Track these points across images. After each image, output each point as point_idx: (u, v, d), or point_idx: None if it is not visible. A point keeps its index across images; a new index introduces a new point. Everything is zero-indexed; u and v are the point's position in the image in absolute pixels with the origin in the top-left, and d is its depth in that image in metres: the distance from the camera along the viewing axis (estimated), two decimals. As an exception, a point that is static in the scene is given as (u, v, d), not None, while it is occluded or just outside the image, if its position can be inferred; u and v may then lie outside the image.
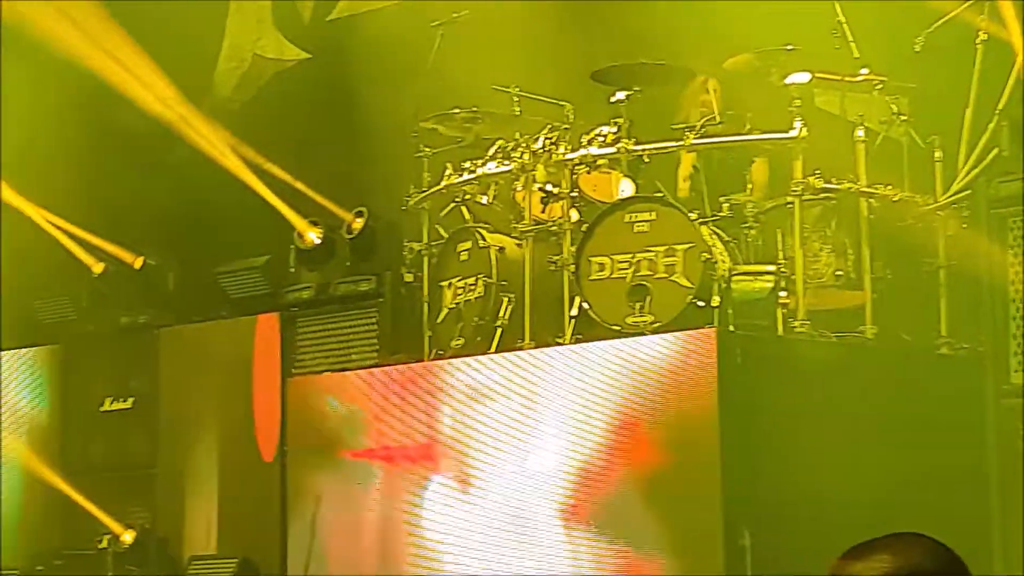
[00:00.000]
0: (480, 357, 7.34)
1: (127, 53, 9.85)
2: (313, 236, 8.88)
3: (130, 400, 9.58)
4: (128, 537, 9.17)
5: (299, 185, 9.19)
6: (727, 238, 7.09)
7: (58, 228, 10.18)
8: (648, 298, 6.90)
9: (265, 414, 8.83)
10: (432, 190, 8.08)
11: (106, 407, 9.65)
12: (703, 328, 6.61)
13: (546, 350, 7.09)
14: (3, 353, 10.13)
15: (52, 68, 10.10)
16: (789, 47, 7.19)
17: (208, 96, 10.24)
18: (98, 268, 10.00)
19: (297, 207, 9.08)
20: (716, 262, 6.89)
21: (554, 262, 7.24)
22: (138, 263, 9.89)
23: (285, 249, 9.06)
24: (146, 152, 10.08)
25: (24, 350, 10.14)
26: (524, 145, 7.57)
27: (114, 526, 9.24)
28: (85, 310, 10.11)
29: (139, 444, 9.48)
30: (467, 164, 7.90)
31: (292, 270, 9.03)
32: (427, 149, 8.28)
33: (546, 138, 7.48)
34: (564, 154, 7.37)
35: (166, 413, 9.40)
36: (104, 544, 9.15)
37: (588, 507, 6.71)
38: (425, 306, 7.98)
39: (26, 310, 10.28)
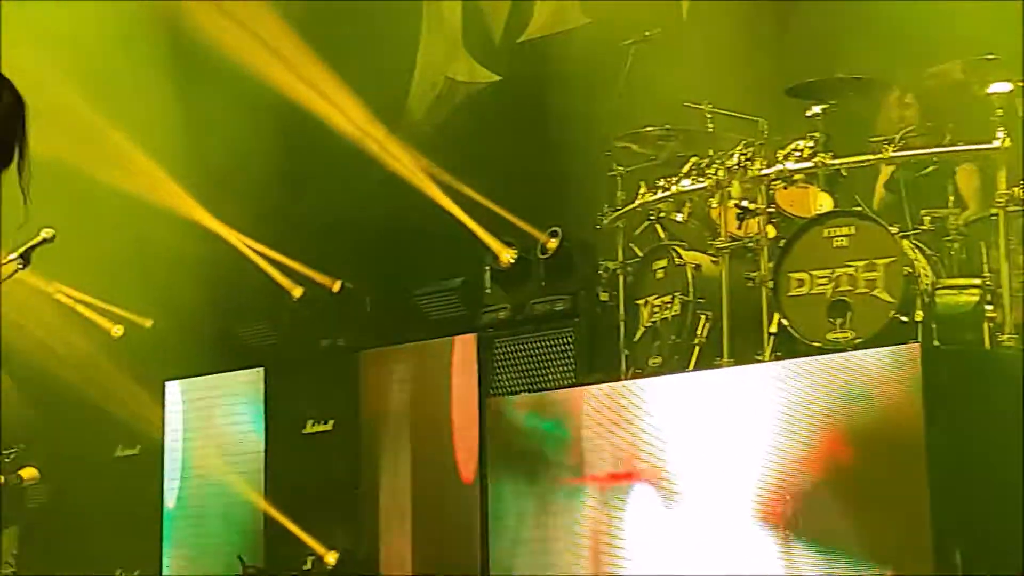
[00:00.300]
0: (679, 375, 7.36)
1: (323, 79, 10.11)
2: (508, 257, 8.98)
3: (331, 422, 9.73)
4: (332, 558, 9.32)
5: (493, 206, 9.30)
6: (930, 252, 7.01)
7: (257, 253, 10.46)
8: (849, 314, 6.85)
9: (464, 435, 8.94)
10: (626, 208, 8.12)
11: (308, 429, 9.83)
12: (907, 343, 6.53)
13: (746, 367, 7.08)
14: (208, 377, 10.40)
15: (249, 95, 10.37)
16: (991, 56, 7.08)
17: (402, 120, 10.42)
18: (297, 292, 10.24)
19: (492, 228, 9.20)
20: (918, 276, 6.82)
21: (751, 279, 7.22)
22: (336, 286, 10.09)
23: (480, 270, 9.17)
24: (343, 176, 10.23)
25: (228, 374, 10.39)
26: (719, 162, 7.57)
27: (318, 547, 9.40)
28: (286, 334, 10.35)
29: (341, 466, 9.60)
30: (661, 182, 7.92)
31: (488, 291, 9.13)
32: (620, 167, 8.32)
33: (741, 154, 7.46)
34: (759, 170, 7.35)
35: (366, 435, 9.56)
36: (308, 565, 9.35)
37: (792, 524, 6.67)
38: (621, 325, 8.02)
39: (229, 334, 10.58)
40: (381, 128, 10.03)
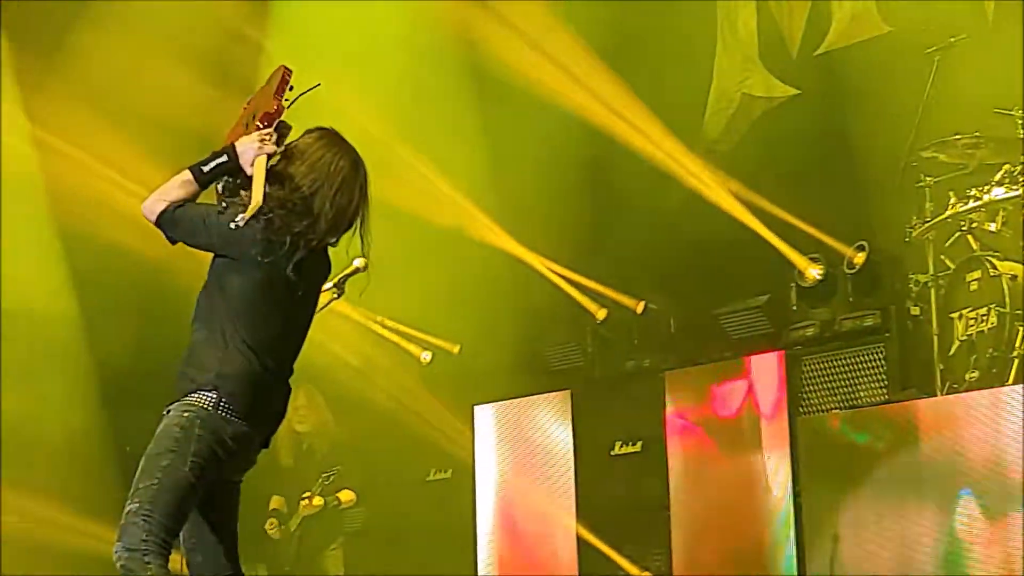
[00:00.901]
0: (998, 389, 7.25)
1: (621, 100, 10.26)
2: (814, 273, 8.96)
3: (639, 444, 9.84)
4: (647, 579, 9.40)
5: (797, 222, 9.29)
6: None
7: (561, 276, 10.66)
8: None
9: (773, 452, 8.96)
10: (936, 220, 8.05)
11: (616, 451, 9.95)
12: None
13: (1068, 380, 6.96)
14: (516, 400, 10.62)
15: (549, 119, 10.58)
16: None
17: (699, 139, 10.46)
18: (601, 314, 10.39)
19: (796, 244, 9.20)
20: None
21: (1072, 289, 7.10)
22: (640, 307, 10.20)
23: (786, 287, 9.17)
24: (643, 197, 10.31)
25: (536, 396, 10.58)
26: (1033, 168, 7.46)
27: (631, 568, 9.52)
28: (591, 356, 10.51)
29: (650, 486, 9.69)
30: (972, 191, 7.83)
31: (794, 308, 9.13)
32: (928, 178, 8.25)
33: (1056, 160, 7.34)
34: (1079, 176, 7.22)
35: (674, 454, 9.63)
36: (622, 586, 9.44)
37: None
38: (935, 339, 7.94)
39: (536, 357, 10.79)
40: (680, 147, 10.10)
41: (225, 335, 4.81)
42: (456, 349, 11.29)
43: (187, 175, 4.94)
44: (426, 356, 11.33)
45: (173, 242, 5.01)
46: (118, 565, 4.61)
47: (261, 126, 5.03)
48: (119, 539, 4.60)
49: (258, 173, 4.88)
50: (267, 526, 10.65)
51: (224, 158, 4.95)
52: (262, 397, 4.87)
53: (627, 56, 10.48)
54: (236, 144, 4.95)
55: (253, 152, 4.93)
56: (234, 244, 4.85)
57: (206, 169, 4.96)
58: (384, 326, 11.27)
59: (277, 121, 5.11)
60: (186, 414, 4.72)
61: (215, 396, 4.73)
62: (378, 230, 10.01)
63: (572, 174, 10.59)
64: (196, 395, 4.75)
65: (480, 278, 10.85)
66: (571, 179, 10.57)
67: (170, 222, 4.90)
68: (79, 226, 11.46)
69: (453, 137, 11.08)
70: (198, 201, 4.99)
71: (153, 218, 4.90)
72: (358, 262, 5.82)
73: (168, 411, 4.79)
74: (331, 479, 10.45)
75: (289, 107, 5.16)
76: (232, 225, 4.82)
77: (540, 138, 10.69)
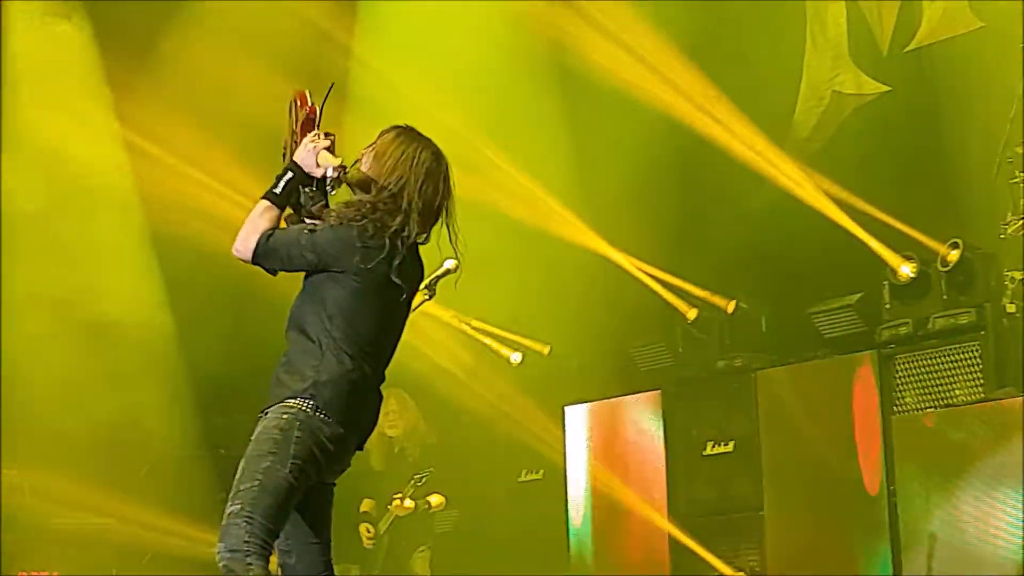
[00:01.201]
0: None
1: (710, 98, 10.28)
2: (907, 270, 8.93)
3: (731, 443, 9.85)
4: (738, 579, 9.41)
5: (889, 219, 9.27)
6: None
7: (651, 276, 10.69)
8: None
9: (867, 450, 8.95)
10: (1031, 216, 8.00)
11: (708, 451, 9.97)
12: None
13: None
14: (607, 401, 10.67)
15: (637, 118, 10.61)
16: None
17: (789, 137, 10.45)
18: (691, 314, 10.40)
19: (888, 242, 9.17)
20: None
21: None
22: (730, 307, 10.21)
23: (878, 285, 9.15)
24: (733, 195, 10.33)
25: (627, 397, 10.62)
26: None
27: (724, 569, 9.55)
28: (681, 356, 10.52)
29: (743, 486, 9.71)
30: (1065, 187, 7.79)
31: (887, 306, 9.10)
32: (1022, 174, 8.20)
33: None
34: None
35: (767, 455, 9.63)
36: (715, 587, 9.47)
37: None
38: (1032, 337, 7.91)
39: (626, 358, 10.82)
40: (770, 146, 10.10)
41: (322, 343, 4.86)
42: (546, 350, 11.35)
43: (263, 203, 5.03)
44: (516, 357, 11.40)
45: (274, 273, 5.09)
46: (221, 566, 4.65)
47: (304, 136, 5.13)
48: (221, 540, 4.65)
49: (328, 159, 4.99)
50: (362, 531, 10.73)
51: (290, 173, 5.05)
52: (358, 404, 4.92)
53: (716, 54, 10.49)
54: (294, 158, 5.03)
55: (312, 153, 5.02)
56: (334, 257, 4.91)
57: (278, 190, 5.05)
58: (473, 328, 11.35)
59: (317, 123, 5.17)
60: (285, 416, 4.78)
61: (312, 403, 4.78)
62: (467, 231, 10.11)
63: (661, 173, 10.60)
64: (294, 400, 4.80)
65: (570, 278, 10.93)
66: (660, 178, 10.59)
67: (266, 254, 4.96)
68: (170, 229, 11.63)
69: (542, 137, 11.16)
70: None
71: (249, 256, 4.95)
72: (449, 263, 5.84)
73: (265, 413, 4.85)
74: (423, 481, 10.52)
75: (322, 108, 5.20)
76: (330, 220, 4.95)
77: (629, 137, 10.71)
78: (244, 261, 4.98)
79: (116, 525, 11.35)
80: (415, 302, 5.80)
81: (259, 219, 4.97)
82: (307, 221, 5.07)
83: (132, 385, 11.63)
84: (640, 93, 10.57)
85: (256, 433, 4.82)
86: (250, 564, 4.60)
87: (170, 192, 11.60)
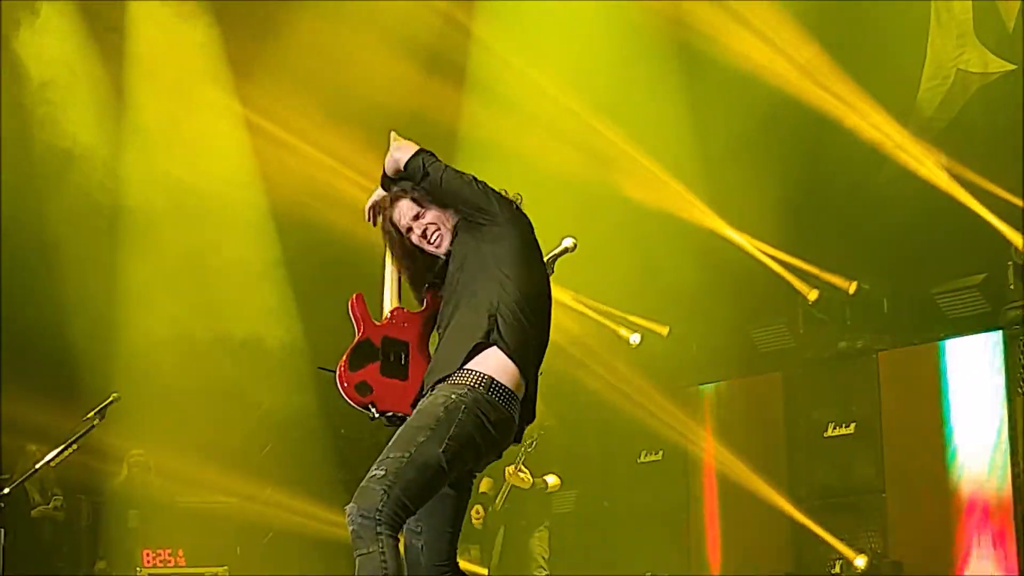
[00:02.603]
0: None
1: (833, 78, 10.30)
2: (1033, 250, 8.95)
3: (852, 425, 9.91)
4: (860, 562, 9.49)
5: (1014, 199, 9.26)
6: None
7: (771, 257, 10.75)
8: None
9: (991, 433, 8.98)
10: None
11: (829, 433, 10.03)
12: None
13: None
14: (728, 382, 10.76)
15: (758, 98, 10.65)
16: None
17: (913, 115, 10.42)
18: (812, 295, 10.47)
19: (1013, 222, 9.16)
20: None
21: None
22: (852, 288, 10.27)
23: (1003, 266, 9.15)
24: (855, 175, 10.36)
25: (747, 379, 10.78)
26: None
27: (845, 551, 9.62)
28: (802, 337, 10.60)
29: (864, 468, 9.78)
30: None
31: (1011, 287, 9.11)
32: None
33: None
34: None
35: (888, 436, 9.68)
36: (836, 569, 9.55)
37: None
38: None
39: (746, 339, 10.90)
40: (894, 124, 10.10)
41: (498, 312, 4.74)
42: (666, 331, 11.45)
43: None
44: (635, 338, 11.50)
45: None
46: (350, 528, 4.58)
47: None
48: (355, 500, 4.58)
49: None
50: (473, 514, 10.87)
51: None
52: (528, 382, 4.80)
53: (839, 33, 10.51)
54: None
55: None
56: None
57: None
58: (592, 308, 11.46)
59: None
60: (454, 395, 4.68)
61: (484, 383, 4.68)
62: (587, 211, 10.29)
63: (783, 153, 10.65)
64: (470, 375, 4.70)
65: (690, 259, 10.99)
66: (782, 158, 10.63)
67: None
68: (292, 208, 11.84)
69: (662, 117, 11.19)
70: None
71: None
72: (568, 242, 5.72)
73: (434, 388, 4.75)
74: (533, 445, 10.57)
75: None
76: None
77: (751, 117, 10.75)
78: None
79: (239, 504, 11.60)
80: None
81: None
82: None
83: (255, 368, 11.89)
84: (762, 72, 10.61)
85: (422, 405, 4.74)
86: (379, 533, 4.54)
87: (290, 171, 11.82)
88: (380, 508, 4.56)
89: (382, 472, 4.60)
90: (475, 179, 4.85)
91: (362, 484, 4.62)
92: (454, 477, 4.76)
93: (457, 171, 4.86)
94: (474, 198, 4.83)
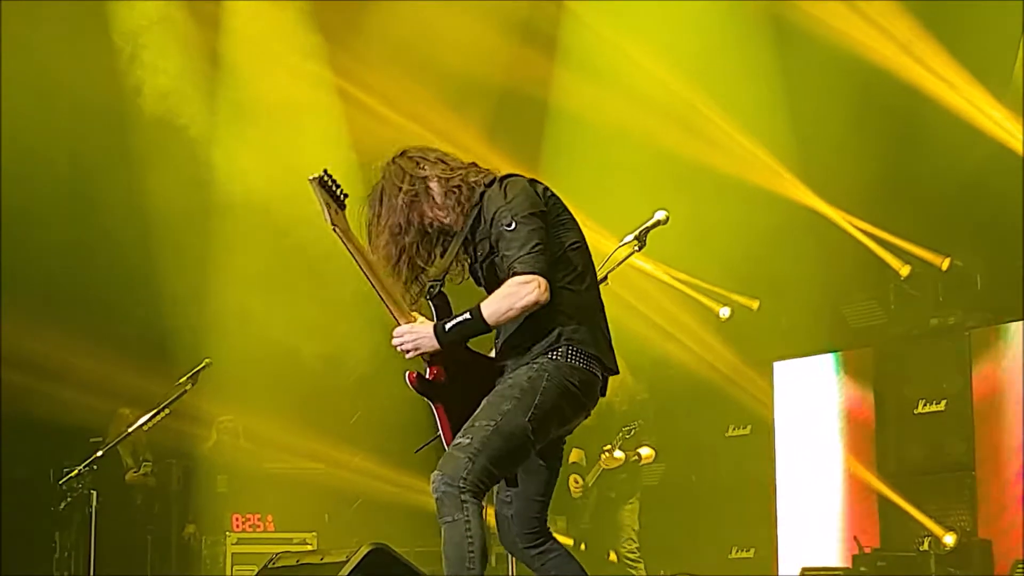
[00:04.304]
0: None
1: (927, 50, 10.31)
2: None
3: (943, 402, 9.99)
4: (949, 539, 9.55)
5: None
6: None
7: (863, 232, 10.82)
8: None
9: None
10: None
11: (919, 409, 10.11)
12: None
13: None
14: (817, 357, 10.86)
15: (852, 71, 10.70)
16: None
17: (1009, 89, 10.42)
18: (905, 271, 10.54)
19: (1112, 199, 9.19)
20: None
21: None
22: (945, 264, 10.33)
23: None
24: (950, 150, 10.34)
25: (837, 354, 10.82)
26: None
27: (935, 528, 9.70)
28: (894, 313, 10.68)
29: (954, 446, 9.85)
30: None
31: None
32: None
33: None
34: None
35: (980, 414, 9.75)
36: (925, 546, 9.60)
37: None
38: None
39: (836, 314, 10.99)
40: (989, 98, 10.12)
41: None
42: (756, 305, 11.55)
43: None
44: (725, 312, 11.60)
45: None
46: (435, 494, 4.69)
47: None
48: (439, 468, 4.69)
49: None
50: (570, 482, 10.99)
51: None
52: (602, 337, 4.94)
53: (934, 6, 10.49)
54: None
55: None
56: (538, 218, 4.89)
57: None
58: (682, 281, 11.57)
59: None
60: (535, 365, 4.81)
61: (562, 351, 4.80)
62: (679, 184, 10.39)
63: (876, 127, 10.69)
64: (543, 358, 4.82)
65: (781, 234, 11.08)
66: (875, 132, 10.67)
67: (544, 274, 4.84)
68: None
69: (755, 90, 11.27)
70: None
71: (544, 293, 4.79)
72: (660, 214, 5.92)
73: (517, 367, 4.86)
74: (632, 433, 10.73)
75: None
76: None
77: (843, 90, 10.80)
78: (548, 297, 4.80)
79: (327, 470, 11.83)
80: (622, 253, 5.99)
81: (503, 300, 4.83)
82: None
83: (345, 333, 12.07)
84: (856, 45, 10.62)
85: (507, 378, 4.86)
86: (464, 501, 4.63)
87: (381, 140, 11.98)
88: (465, 476, 4.69)
89: (468, 440, 4.74)
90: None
91: (447, 452, 4.78)
92: (540, 446, 4.89)
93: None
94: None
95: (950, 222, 10.53)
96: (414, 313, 5.03)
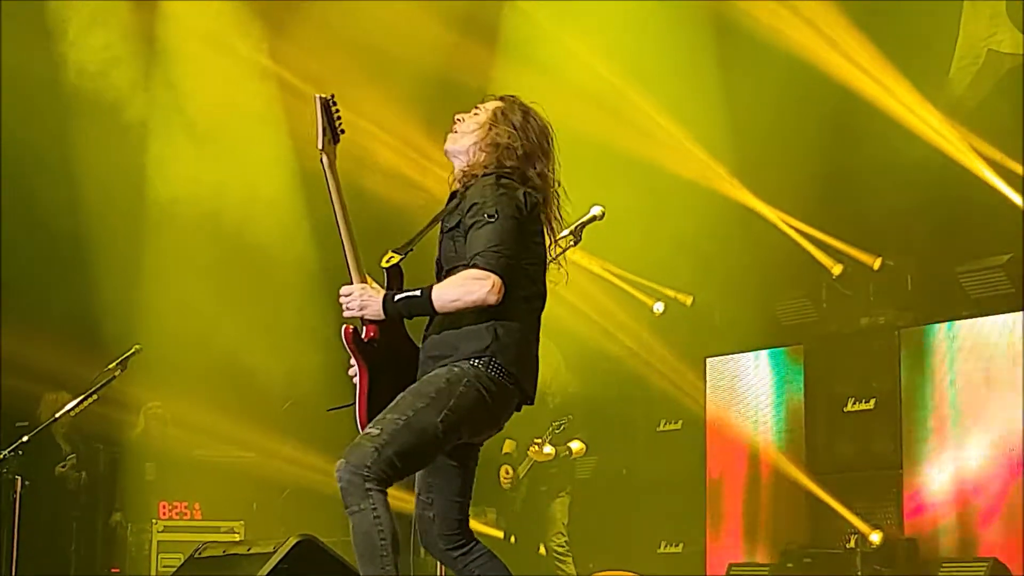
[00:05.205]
0: None
1: (863, 54, 10.46)
2: (1057, 233, 9.14)
3: (872, 401, 10.14)
4: (876, 538, 9.68)
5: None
6: None
7: (796, 230, 10.96)
8: None
9: (1011, 413, 9.22)
10: None
11: (849, 407, 10.26)
12: None
13: None
14: (748, 354, 11.01)
15: (788, 72, 10.81)
16: None
17: (943, 94, 10.58)
18: (837, 269, 10.68)
19: (1043, 202, 9.36)
20: None
21: None
22: (876, 264, 10.47)
23: (1028, 247, 9.34)
24: (883, 152, 10.46)
25: (768, 351, 10.94)
26: None
27: (861, 526, 9.82)
28: (825, 311, 10.80)
29: (883, 445, 10.00)
30: None
31: (1045, 268, 9.30)
32: None
33: None
34: None
35: (908, 414, 9.90)
36: (852, 544, 9.71)
37: None
38: None
39: (768, 311, 11.11)
40: (924, 102, 10.27)
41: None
42: (689, 300, 11.66)
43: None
44: (659, 307, 11.70)
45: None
46: (340, 484, 4.68)
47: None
48: (345, 456, 4.68)
49: None
50: (501, 473, 11.06)
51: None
52: (529, 358, 4.96)
53: (870, 9, 10.65)
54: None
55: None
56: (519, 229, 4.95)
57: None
58: (616, 275, 11.64)
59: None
60: (456, 369, 4.85)
61: (486, 362, 4.84)
62: (613, 178, 10.49)
63: (811, 127, 10.78)
64: (467, 362, 4.85)
65: (716, 230, 11.22)
66: (810, 132, 10.77)
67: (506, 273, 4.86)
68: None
69: (692, 87, 11.36)
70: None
71: (497, 293, 4.79)
72: (595, 210, 5.92)
73: (439, 366, 4.89)
74: (562, 427, 10.83)
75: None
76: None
77: (780, 90, 10.88)
78: (499, 300, 4.82)
79: (257, 459, 11.85)
80: (561, 247, 6.08)
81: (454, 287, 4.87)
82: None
83: (277, 322, 12.09)
84: (793, 45, 10.75)
85: (425, 377, 4.88)
86: (369, 490, 4.63)
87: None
88: (370, 464, 4.69)
89: (377, 431, 4.76)
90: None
91: (355, 441, 4.78)
92: (448, 448, 4.95)
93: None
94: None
95: (883, 222, 10.64)
96: (369, 278, 5.07)
